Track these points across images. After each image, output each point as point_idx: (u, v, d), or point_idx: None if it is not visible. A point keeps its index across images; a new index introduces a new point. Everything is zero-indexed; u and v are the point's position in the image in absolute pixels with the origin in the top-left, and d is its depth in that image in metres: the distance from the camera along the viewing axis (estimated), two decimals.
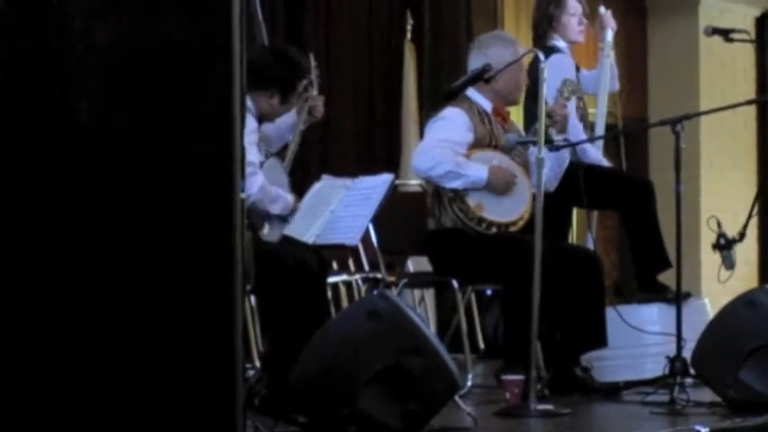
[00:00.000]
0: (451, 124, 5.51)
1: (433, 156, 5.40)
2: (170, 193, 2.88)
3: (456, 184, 5.42)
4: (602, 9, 6.62)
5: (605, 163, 6.34)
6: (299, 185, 6.32)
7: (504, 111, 5.68)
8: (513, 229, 5.46)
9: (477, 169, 5.42)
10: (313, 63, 5.60)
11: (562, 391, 5.28)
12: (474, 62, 5.60)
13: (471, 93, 5.58)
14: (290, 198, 5.24)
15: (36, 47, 2.87)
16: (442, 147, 5.42)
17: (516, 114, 6.38)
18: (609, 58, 6.51)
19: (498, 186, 5.43)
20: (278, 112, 5.37)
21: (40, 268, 2.84)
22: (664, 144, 7.10)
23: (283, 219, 5.20)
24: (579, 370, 5.43)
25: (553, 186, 5.57)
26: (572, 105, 5.96)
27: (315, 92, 5.60)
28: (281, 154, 5.49)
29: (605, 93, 6.53)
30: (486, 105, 5.61)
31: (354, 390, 4.00)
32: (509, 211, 5.47)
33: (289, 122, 5.56)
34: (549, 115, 5.35)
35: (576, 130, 6.04)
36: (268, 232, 5.08)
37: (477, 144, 5.51)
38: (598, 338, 5.45)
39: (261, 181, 5.08)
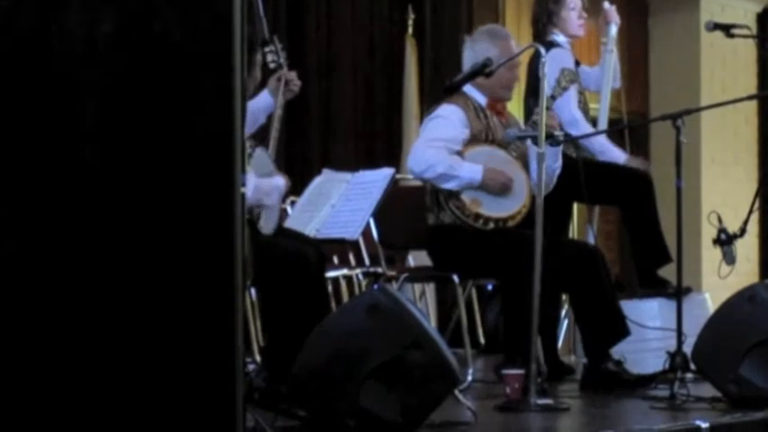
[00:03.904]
0: (446, 122, 5.49)
1: (427, 158, 5.38)
2: (171, 188, 2.88)
3: (450, 185, 5.41)
4: (606, 4, 6.61)
5: (613, 148, 6.30)
6: (300, 180, 6.31)
7: (500, 104, 5.67)
8: (511, 223, 5.45)
9: (471, 170, 5.40)
10: (279, 45, 5.57)
11: (596, 387, 5.28)
12: (465, 57, 5.63)
13: (467, 88, 5.55)
14: (281, 183, 5.12)
15: (36, 38, 2.87)
16: (435, 147, 5.40)
17: (517, 109, 6.37)
18: (612, 53, 6.50)
19: (493, 188, 5.42)
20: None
21: (41, 264, 2.84)
22: (665, 139, 7.10)
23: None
24: (611, 364, 5.41)
25: (548, 188, 5.55)
26: (572, 94, 5.92)
27: (285, 69, 5.55)
28: (263, 141, 5.44)
29: (608, 88, 6.52)
30: (482, 100, 5.60)
31: (354, 384, 4.00)
32: (506, 205, 5.46)
33: (260, 105, 5.49)
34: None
35: (580, 124, 6.03)
36: (264, 223, 5.03)
37: (473, 139, 5.50)
38: (621, 329, 5.43)
39: (253, 181, 5.01)
